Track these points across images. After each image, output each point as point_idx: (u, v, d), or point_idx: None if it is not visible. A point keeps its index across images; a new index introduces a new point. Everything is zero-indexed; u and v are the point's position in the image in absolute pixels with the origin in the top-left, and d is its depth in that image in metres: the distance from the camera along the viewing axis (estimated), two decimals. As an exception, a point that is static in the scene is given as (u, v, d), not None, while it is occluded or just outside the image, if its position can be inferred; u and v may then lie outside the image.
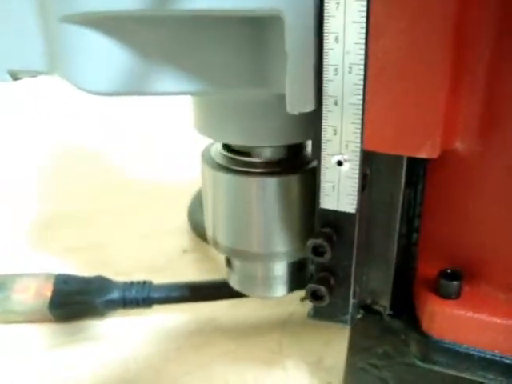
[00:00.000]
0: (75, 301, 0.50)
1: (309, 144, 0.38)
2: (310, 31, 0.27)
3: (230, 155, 0.38)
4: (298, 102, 0.29)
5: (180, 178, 0.73)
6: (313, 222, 0.34)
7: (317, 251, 0.32)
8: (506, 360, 0.32)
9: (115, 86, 0.31)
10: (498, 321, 0.32)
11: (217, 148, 0.39)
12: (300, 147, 0.38)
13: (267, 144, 0.36)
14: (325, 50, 0.28)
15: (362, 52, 0.27)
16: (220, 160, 0.38)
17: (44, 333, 0.50)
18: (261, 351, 0.48)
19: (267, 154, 0.37)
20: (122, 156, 0.86)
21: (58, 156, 0.86)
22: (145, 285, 0.50)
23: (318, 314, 0.35)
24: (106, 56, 0.30)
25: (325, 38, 0.28)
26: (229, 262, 0.42)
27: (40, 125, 0.96)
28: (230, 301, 0.49)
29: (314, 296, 0.33)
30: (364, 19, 0.26)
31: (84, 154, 0.86)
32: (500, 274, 0.32)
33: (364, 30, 0.27)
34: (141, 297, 0.49)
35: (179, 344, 0.49)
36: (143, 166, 0.82)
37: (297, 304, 0.51)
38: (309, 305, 0.35)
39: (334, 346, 0.47)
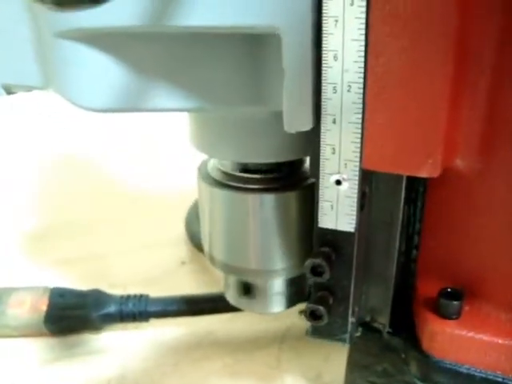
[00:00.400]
0: (71, 315, 0.49)
1: (307, 160, 0.37)
2: (308, 49, 0.27)
3: (226, 171, 0.37)
4: (296, 121, 0.28)
5: (177, 187, 0.72)
6: (311, 238, 0.33)
7: (315, 271, 0.32)
8: (509, 382, 0.31)
9: (110, 102, 0.30)
10: (500, 341, 0.31)
11: (214, 163, 0.39)
12: (298, 163, 0.37)
13: (265, 161, 0.35)
14: (323, 68, 0.27)
15: (361, 70, 0.27)
16: (217, 175, 0.37)
17: (39, 347, 0.49)
18: (258, 366, 0.47)
19: (264, 169, 0.36)
20: (118, 165, 0.85)
21: (55, 165, 0.85)
22: (141, 298, 0.49)
23: (316, 332, 0.35)
24: (101, 72, 0.29)
25: (323, 55, 0.27)
26: (247, 290, 0.41)
27: (38, 132, 0.95)
28: (228, 314, 0.49)
29: (313, 316, 0.33)
30: (363, 37, 0.26)
31: (81, 163, 0.85)
32: (502, 293, 0.32)
33: (363, 48, 0.26)
34: (138, 310, 0.48)
35: (176, 358, 0.48)
36: (140, 175, 0.82)
37: (295, 317, 0.50)
38: (307, 322, 0.35)
39: (334, 361, 0.47)
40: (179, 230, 0.66)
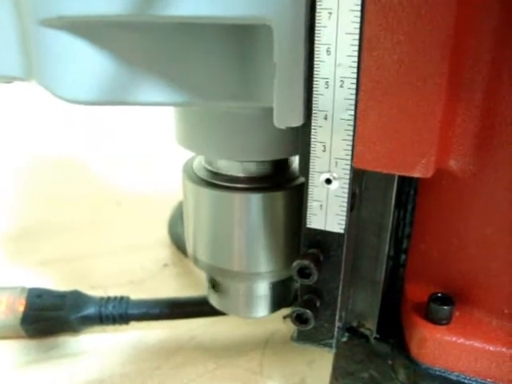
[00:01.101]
0: (49, 316, 0.48)
1: (296, 160, 0.37)
2: (300, 42, 0.26)
3: (212, 169, 0.36)
4: (286, 116, 0.28)
5: (161, 189, 0.71)
6: (298, 241, 0.32)
7: (303, 273, 0.31)
8: (499, 389, 0.31)
9: (95, 94, 0.29)
10: (491, 348, 0.30)
11: (199, 162, 0.38)
12: (286, 163, 0.37)
13: (252, 159, 0.35)
14: (315, 62, 0.27)
15: (355, 65, 0.26)
16: (202, 174, 0.36)
17: (16, 349, 0.48)
18: (241, 371, 0.46)
19: (252, 169, 0.35)
20: (101, 167, 0.84)
21: (36, 165, 0.84)
22: (122, 300, 0.48)
23: (302, 338, 0.34)
24: (85, 63, 0.29)
25: (316, 49, 0.26)
26: (213, 285, 0.40)
27: (17, 132, 0.94)
28: (211, 318, 0.48)
29: (299, 319, 0.32)
30: (357, 30, 0.25)
31: (62, 163, 0.84)
32: (493, 299, 0.31)
33: (357, 42, 0.25)
34: (118, 313, 0.47)
35: (157, 363, 0.47)
36: (123, 177, 0.81)
37: (279, 323, 0.50)
38: (291, 324, 0.34)
39: (318, 367, 0.46)
40: (162, 232, 0.65)
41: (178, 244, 0.61)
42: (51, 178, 0.80)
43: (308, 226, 0.31)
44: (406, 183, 0.32)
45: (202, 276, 0.42)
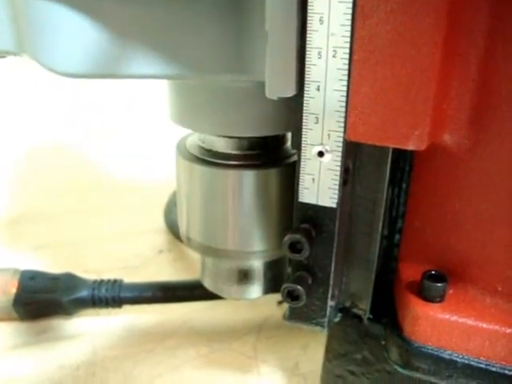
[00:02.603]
0: (41, 298, 0.47)
1: (290, 137, 0.36)
2: (293, 10, 0.26)
3: (206, 147, 0.36)
4: (278, 86, 0.27)
5: (157, 176, 0.71)
6: (292, 219, 0.32)
7: (294, 248, 0.30)
8: (492, 368, 0.30)
9: (85, 67, 0.29)
10: (485, 326, 0.30)
11: (193, 139, 0.37)
12: (281, 140, 0.36)
13: (245, 135, 0.34)
14: (308, 32, 0.26)
15: (348, 34, 0.25)
16: (196, 151, 0.36)
17: (7, 331, 0.48)
18: (235, 356, 0.46)
19: (246, 145, 0.35)
20: (97, 152, 0.84)
21: (31, 151, 0.83)
22: (115, 283, 0.48)
23: (293, 316, 0.34)
24: (76, 35, 0.28)
25: (308, 18, 0.26)
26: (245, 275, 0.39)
27: (11, 118, 0.93)
28: (205, 302, 0.47)
29: (290, 296, 0.31)
30: (351, -1, 0.25)
31: (58, 149, 0.84)
32: (488, 276, 0.31)
33: (350, 11, 0.25)
34: (111, 296, 0.47)
35: (150, 346, 0.47)
36: (119, 163, 0.80)
37: (273, 308, 0.50)
38: (285, 308, 0.34)
39: (311, 350, 0.46)
40: (158, 218, 0.65)
41: (174, 230, 0.61)
42: (47, 165, 0.80)
43: (300, 200, 0.30)
44: (400, 159, 0.31)
45: (197, 262, 0.42)
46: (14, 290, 0.47)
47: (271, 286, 0.40)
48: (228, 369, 0.45)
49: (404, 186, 0.32)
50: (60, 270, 0.50)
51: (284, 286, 0.31)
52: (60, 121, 0.92)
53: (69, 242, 0.61)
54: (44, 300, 0.47)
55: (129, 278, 0.49)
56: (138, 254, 0.59)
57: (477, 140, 0.28)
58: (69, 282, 0.48)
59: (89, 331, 0.48)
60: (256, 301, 0.41)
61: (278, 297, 0.41)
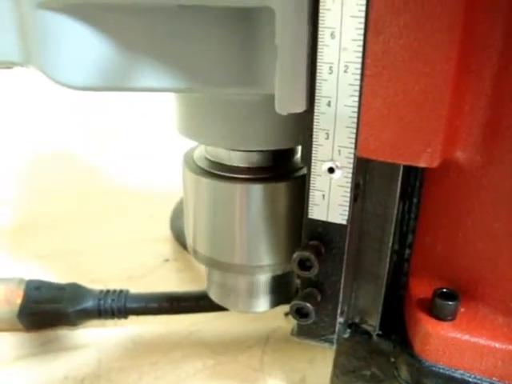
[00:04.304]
0: (47, 309, 0.47)
1: (299, 150, 0.36)
2: (304, 25, 0.25)
3: (213, 159, 0.35)
4: (288, 102, 0.27)
5: (163, 183, 0.70)
6: (300, 234, 0.31)
7: (303, 265, 0.30)
8: (504, 388, 0.30)
9: (93, 79, 0.29)
10: (497, 345, 0.29)
11: (200, 151, 0.37)
12: (289, 153, 0.36)
13: (253, 148, 0.34)
14: (319, 47, 0.26)
15: (360, 49, 0.25)
16: (203, 164, 0.36)
17: (12, 342, 0.47)
18: (241, 368, 0.45)
19: (253, 159, 0.34)
20: (102, 159, 0.84)
21: (35, 158, 0.83)
22: (121, 294, 0.47)
23: (302, 332, 0.33)
24: (84, 47, 0.28)
25: (320, 33, 0.25)
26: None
27: (15, 125, 0.93)
28: (211, 314, 0.47)
29: (299, 313, 0.31)
30: (363, 13, 0.24)
31: (62, 157, 0.84)
32: (500, 295, 0.30)
33: (363, 26, 0.25)
34: (116, 306, 0.46)
35: (156, 358, 0.46)
36: (125, 170, 0.80)
37: (281, 319, 0.49)
38: (293, 321, 0.33)
39: (319, 364, 0.45)
40: (164, 227, 0.64)
41: (180, 239, 0.60)
42: (51, 172, 0.80)
43: (310, 216, 0.30)
44: (411, 175, 0.31)
45: (203, 271, 0.41)
46: (18, 301, 0.46)
47: (278, 298, 0.39)
48: (234, 382, 0.44)
49: (415, 200, 0.32)
50: (65, 279, 0.49)
51: (293, 303, 0.31)
52: (63, 127, 0.92)
53: (73, 251, 0.60)
54: (49, 310, 0.47)
55: (134, 288, 0.48)
56: (143, 263, 0.59)
57: (489, 157, 0.28)
58: (74, 292, 0.47)
59: (94, 342, 0.48)
60: (263, 312, 0.40)
61: (285, 308, 0.40)
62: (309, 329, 0.33)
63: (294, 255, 0.30)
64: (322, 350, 0.44)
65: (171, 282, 0.56)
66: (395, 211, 0.31)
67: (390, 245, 0.32)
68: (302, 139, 0.28)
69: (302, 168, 0.35)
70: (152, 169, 0.79)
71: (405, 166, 0.29)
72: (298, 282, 0.33)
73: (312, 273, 0.30)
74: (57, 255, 0.59)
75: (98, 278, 0.54)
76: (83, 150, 0.86)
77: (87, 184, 0.76)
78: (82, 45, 0.28)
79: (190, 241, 0.39)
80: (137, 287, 0.49)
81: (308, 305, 0.30)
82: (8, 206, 0.71)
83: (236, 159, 0.35)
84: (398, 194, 0.30)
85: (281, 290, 0.39)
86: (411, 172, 0.31)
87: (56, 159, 0.83)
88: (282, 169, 0.35)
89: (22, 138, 0.90)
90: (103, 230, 0.65)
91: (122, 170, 0.80)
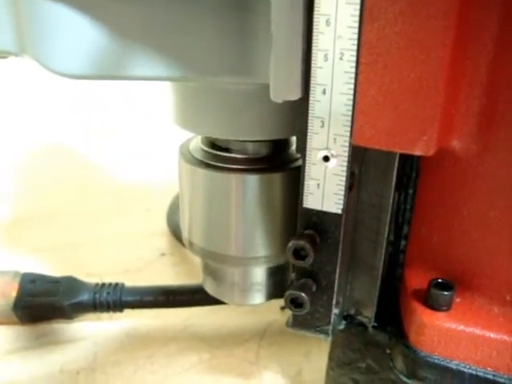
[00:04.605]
0: (42, 302, 0.47)
1: (295, 141, 0.36)
2: (299, 12, 0.25)
3: (209, 150, 0.35)
4: (283, 89, 0.27)
5: (160, 177, 0.70)
6: (296, 225, 0.31)
7: (298, 254, 0.30)
8: (500, 379, 0.29)
9: (88, 68, 0.28)
10: (492, 335, 0.29)
11: (196, 142, 0.37)
12: (285, 144, 0.36)
13: (249, 138, 0.34)
14: (314, 34, 0.26)
15: (355, 37, 0.25)
16: (198, 155, 0.35)
17: (7, 335, 0.47)
18: (237, 362, 0.45)
19: (249, 149, 0.34)
20: (98, 153, 0.83)
21: (32, 152, 0.83)
22: (117, 287, 0.47)
23: (297, 324, 0.33)
24: (79, 35, 0.28)
25: (315, 20, 0.25)
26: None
27: (11, 119, 0.93)
28: (207, 307, 0.47)
29: (294, 303, 0.31)
30: (358, 0, 0.24)
31: (58, 150, 0.84)
32: (496, 285, 0.30)
33: (358, 13, 0.24)
34: (112, 300, 0.46)
35: (151, 351, 0.46)
36: (121, 164, 0.80)
37: (277, 313, 0.49)
38: (288, 314, 0.33)
39: (315, 357, 0.45)
40: (161, 221, 0.64)
41: (176, 234, 0.60)
42: (48, 166, 0.80)
43: (304, 205, 0.30)
44: (407, 165, 0.31)
45: (200, 266, 0.41)
46: (14, 294, 0.46)
47: (274, 291, 0.39)
48: (230, 375, 0.44)
49: (410, 191, 0.32)
50: (61, 272, 0.49)
51: (287, 293, 0.31)
52: (61, 121, 0.92)
53: (70, 245, 0.60)
54: (45, 303, 0.47)
55: (130, 282, 0.48)
56: (139, 257, 0.59)
57: (486, 145, 0.28)
58: (70, 285, 0.47)
59: (90, 335, 0.48)
60: (259, 306, 0.40)
61: (281, 302, 0.40)
62: (304, 320, 0.33)
63: (289, 244, 0.29)
64: (318, 343, 0.44)
65: (167, 276, 0.56)
66: (391, 201, 0.31)
67: (386, 235, 0.32)
68: (297, 127, 0.28)
69: (297, 159, 0.35)
70: (149, 163, 0.79)
71: (400, 156, 0.29)
72: (293, 275, 0.33)
73: (307, 262, 0.30)
74: (53, 249, 0.59)
75: (94, 271, 0.54)
76: (80, 144, 0.86)
77: (84, 179, 0.76)
78: (76, 33, 0.28)
79: (185, 233, 0.38)
80: (133, 281, 0.48)
81: (303, 295, 0.30)
82: (4, 199, 0.71)
83: (231, 149, 0.34)
84: (393, 184, 0.30)
85: (276, 283, 0.39)
86: (407, 162, 0.31)
87: (52, 154, 0.83)
88: (278, 159, 0.35)
89: (19, 132, 0.90)
90: (100, 223, 0.65)
91: (119, 165, 0.80)
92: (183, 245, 0.41)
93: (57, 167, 0.79)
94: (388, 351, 0.34)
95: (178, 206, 0.41)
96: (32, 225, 0.65)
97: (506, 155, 0.27)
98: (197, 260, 0.45)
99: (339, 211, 0.29)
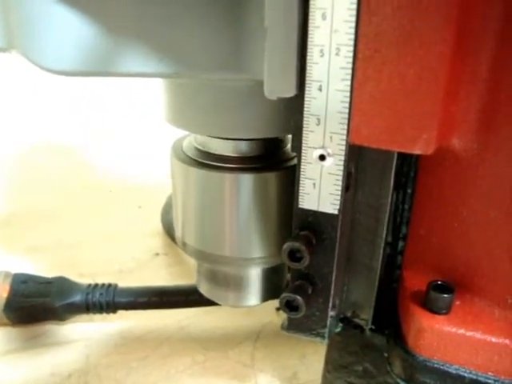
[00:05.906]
0: (33, 303, 0.46)
1: (290, 140, 0.35)
2: (294, 5, 0.24)
3: (202, 149, 0.34)
4: (277, 86, 0.26)
5: (154, 177, 0.69)
6: (291, 225, 0.30)
7: (293, 256, 0.29)
8: (501, 384, 0.29)
9: (79, 64, 0.28)
10: (493, 339, 0.29)
11: (189, 141, 0.36)
12: (280, 143, 0.35)
13: (243, 136, 0.33)
14: (310, 28, 0.25)
15: (352, 31, 0.24)
16: (192, 154, 0.35)
17: (-3, 337, 0.46)
18: (231, 364, 0.45)
19: (243, 148, 0.33)
20: (93, 153, 0.83)
21: (27, 151, 0.83)
22: (110, 288, 0.46)
23: (292, 326, 0.32)
24: (69, 31, 0.27)
25: (310, 13, 0.25)
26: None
27: (9, 117, 0.92)
28: (201, 309, 0.46)
29: (289, 306, 0.30)
30: (355, -7, 0.23)
31: (53, 149, 0.83)
32: (496, 287, 0.29)
33: (355, 6, 0.24)
34: (105, 301, 0.45)
35: (144, 353, 0.46)
36: (116, 163, 0.79)
37: (272, 314, 0.48)
38: (285, 316, 0.32)
39: (310, 360, 0.44)
40: (155, 221, 0.64)
41: (171, 233, 0.60)
42: (41, 165, 0.79)
43: (300, 206, 0.29)
44: (405, 164, 0.30)
45: (194, 266, 0.41)
46: (5, 295, 0.46)
47: (269, 293, 0.39)
48: (224, 378, 0.43)
49: (409, 191, 0.31)
50: (53, 273, 0.48)
51: (283, 295, 0.30)
52: (57, 120, 0.91)
53: (62, 244, 0.60)
54: (36, 305, 0.46)
55: (124, 282, 0.47)
56: (133, 257, 0.58)
57: (486, 144, 0.27)
58: (62, 286, 0.46)
59: (82, 337, 0.47)
60: (254, 307, 0.39)
61: (276, 303, 0.39)
62: (299, 323, 0.32)
63: (284, 246, 0.29)
64: (314, 345, 0.44)
65: (161, 277, 0.55)
66: (389, 202, 0.30)
67: (384, 236, 0.31)
68: (293, 125, 0.27)
69: (293, 158, 0.34)
70: (143, 163, 0.79)
71: (399, 155, 0.28)
72: (289, 276, 0.32)
73: (302, 264, 0.29)
74: (44, 248, 0.59)
75: (87, 272, 0.53)
76: (73, 143, 0.85)
77: (78, 178, 0.76)
78: (66, 29, 0.27)
79: (178, 233, 0.38)
80: (126, 281, 0.48)
81: (298, 297, 0.29)
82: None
83: (225, 148, 0.34)
84: (391, 185, 0.29)
85: (272, 284, 0.38)
86: (405, 161, 0.30)
87: (45, 153, 0.82)
88: (273, 158, 0.34)
89: (16, 131, 0.89)
90: (93, 223, 0.65)
91: (112, 164, 0.79)
92: (177, 244, 0.40)
93: (49, 167, 0.79)
94: (385, 355, 0.33)
95: (171, 205, 0.40)
96: (23, 225, 0.64)
97: (507, 154, 0.27)
98: (191, 260, 0.44)
99: (336, 212, 0.28)
